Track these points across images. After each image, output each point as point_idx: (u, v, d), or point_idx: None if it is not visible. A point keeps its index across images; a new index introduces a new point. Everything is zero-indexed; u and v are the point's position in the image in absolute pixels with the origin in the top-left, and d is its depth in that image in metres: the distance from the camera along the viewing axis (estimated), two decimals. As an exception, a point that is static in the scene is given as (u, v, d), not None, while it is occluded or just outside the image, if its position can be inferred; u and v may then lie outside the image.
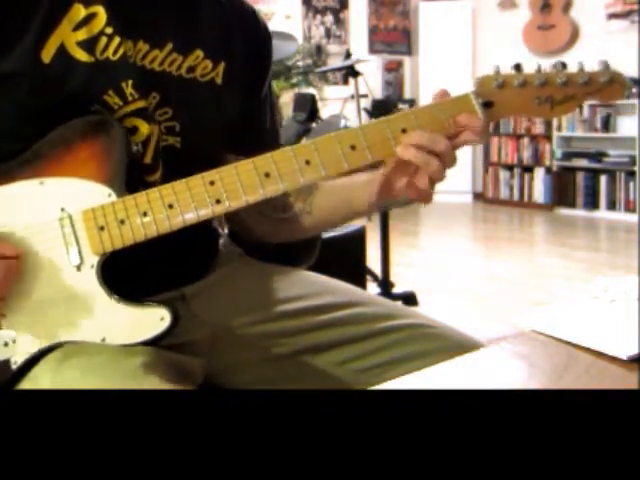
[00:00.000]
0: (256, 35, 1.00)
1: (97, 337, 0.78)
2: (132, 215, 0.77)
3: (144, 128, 0.84)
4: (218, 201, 0.78)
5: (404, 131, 0.79)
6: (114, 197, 0.78)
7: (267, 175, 0.78)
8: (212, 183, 0.78)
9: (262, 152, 1.03)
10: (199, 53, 0.90)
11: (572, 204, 5.82)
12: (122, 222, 0.77)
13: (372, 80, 5.83)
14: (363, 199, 0.89)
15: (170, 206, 0.78)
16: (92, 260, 0.78)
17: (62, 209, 0.78)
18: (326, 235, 1.89)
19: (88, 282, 0.78)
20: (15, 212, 0.79)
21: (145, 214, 0.78)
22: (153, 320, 0.78)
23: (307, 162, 0.78)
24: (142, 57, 0.85)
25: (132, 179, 0.80)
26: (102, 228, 0.77)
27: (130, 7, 0.85)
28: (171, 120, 0.87)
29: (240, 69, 0.95)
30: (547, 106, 0.80)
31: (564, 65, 0.81)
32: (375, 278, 3.14)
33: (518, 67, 0.81)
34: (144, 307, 0.79)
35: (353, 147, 0.79)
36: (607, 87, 0.79)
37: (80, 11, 0.82)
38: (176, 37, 0.88)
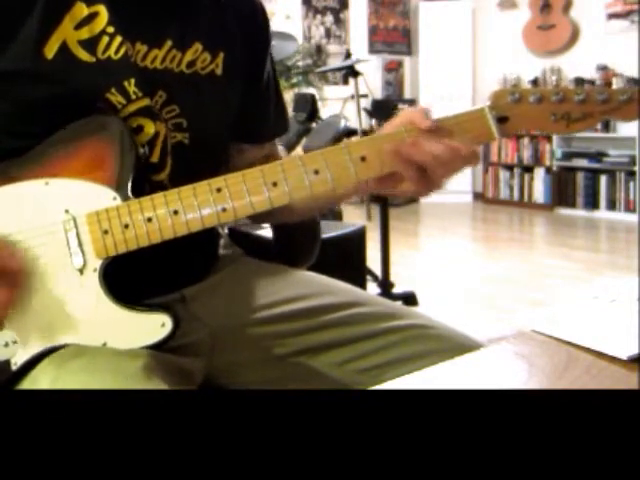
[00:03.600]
0: (253, 20, 0.99)
1: (98, 341, 0.78)
2: (136, 220, 0.77)
3: (150, 127, 0.84)
4: (224, 209, 0.77)
5: None
6: (119, 201, 0.78)
7: (275, 184, 0.78)
8: (219, 190, 0.77)
9: (267, 139, 1.04)
10: (198, 46, 0.90)
11: (572, 204, 5.81)
12: (126, 226, 0.77)
13: (372, 80, 5.82)
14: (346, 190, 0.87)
15: (175, 212, 0.77)
16: (95, 264, 0.77)
17: (66, 211, 0.77)
18: (326, 235, 1.89)
19: (90, 285, 0.78)
20: (20, 212, 0.78)
21: (150, 219, 0.77)
22: (154, 326, 0.78)
23: (316, 172, 0.78)
24: (142, 58, 0.85)
25: (138, 179, 0.80)
26: (106, 232, 0.77)
27: (129, 7, 0.84)
28: (178, 117, 0.87)
29: (239, 57, 0.95)
30: (563, 123, 0.78)
31: (582, 81, 0.79)
32: (375, 278, 3.14)
33: (535, 82, 0.80)
34: (145, 312, 0.78)
35: (363, 158, 0.78)
36: (625, 105, 0.77)
37: (82, 10, 0.82)
38: (175, 34, 0.88)
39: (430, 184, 0.80)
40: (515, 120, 0.79)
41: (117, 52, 0.82)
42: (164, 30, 0.87)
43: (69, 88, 0.80)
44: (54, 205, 0.78)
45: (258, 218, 1.08)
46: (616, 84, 5.13)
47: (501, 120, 0.79)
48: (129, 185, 0.78)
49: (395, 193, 0.84)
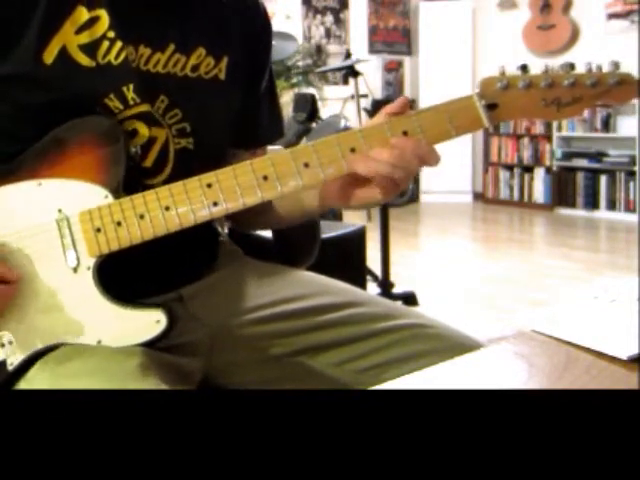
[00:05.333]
0: (255, 25, 0.99)
1: (93, 339, 0.78)
2: (128, 217, 0.77)
3: (144, 131, 0.84)
4: (215, 204, 0.78)
5: (405, 133, 0.78)
6: (111, 199, 0.78)
7: (265, 178, 0.78)
8: (209, 185, 0.78)
9: (258, 145, 1.04)
10: (201, 50, 0.90)
11: (572, 204, 5.82)
12: (119, 224, 0.77)
13: (372, 80, 5.82)
14: (314, 202, 0.91)
15: (167, 208, 0.77)
16: (88, 262, 0.78)
17: (59, 210, 0.78)
18: (326, 235, 1.89)
19: (84, 284, 0.78)
20: (13, 213, 0.78)
21: (142, 216, 0.77)
22: (149, 323, 0.78)
23: (306, 165, 0.78)
24: (145, 62, 0.85)
25: (131, 182, 0.80)
26: (99, 230, 0.77)
27: (131, 11, 0.84)
28: (181, 122, 0.87)
29: (242, 61, 0.95)
30: (553, 108, 0.78)
31: (572, 66, 0.78)
32: (375, 278, 3.14)
33: (524, 68, 0.79)
34: (140, 309, 0.78)
35: (353, 150, 0.78)
36: (616, 89, 0.76)
37: (83, 14, 0.82)
38: (177, 38, 0.88)
39: (395, 188, 0.79)
40: (505, 107, 0.78)
41: (117, 57, 0.82)
42: (166, 34, 0.87)
43: (68, 93, 0.80)
44: (47, 205, 0.78)
45: (240, 222, 1.08)
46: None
47: (490, 107, 0.78)
48: (121, 183, 0.78)
49: (363, 202, 0.83)
